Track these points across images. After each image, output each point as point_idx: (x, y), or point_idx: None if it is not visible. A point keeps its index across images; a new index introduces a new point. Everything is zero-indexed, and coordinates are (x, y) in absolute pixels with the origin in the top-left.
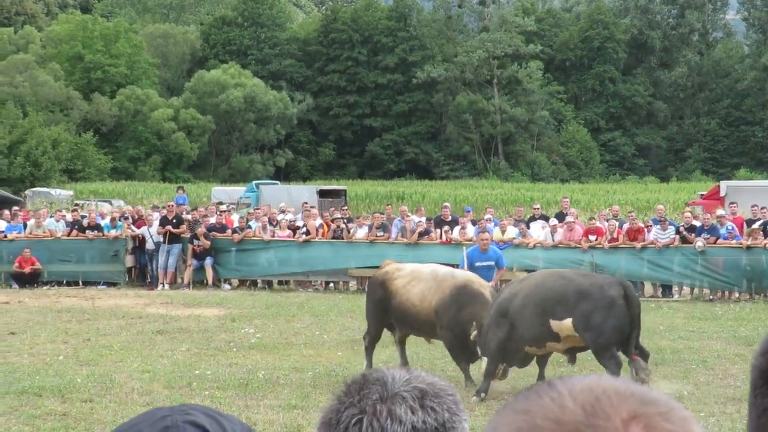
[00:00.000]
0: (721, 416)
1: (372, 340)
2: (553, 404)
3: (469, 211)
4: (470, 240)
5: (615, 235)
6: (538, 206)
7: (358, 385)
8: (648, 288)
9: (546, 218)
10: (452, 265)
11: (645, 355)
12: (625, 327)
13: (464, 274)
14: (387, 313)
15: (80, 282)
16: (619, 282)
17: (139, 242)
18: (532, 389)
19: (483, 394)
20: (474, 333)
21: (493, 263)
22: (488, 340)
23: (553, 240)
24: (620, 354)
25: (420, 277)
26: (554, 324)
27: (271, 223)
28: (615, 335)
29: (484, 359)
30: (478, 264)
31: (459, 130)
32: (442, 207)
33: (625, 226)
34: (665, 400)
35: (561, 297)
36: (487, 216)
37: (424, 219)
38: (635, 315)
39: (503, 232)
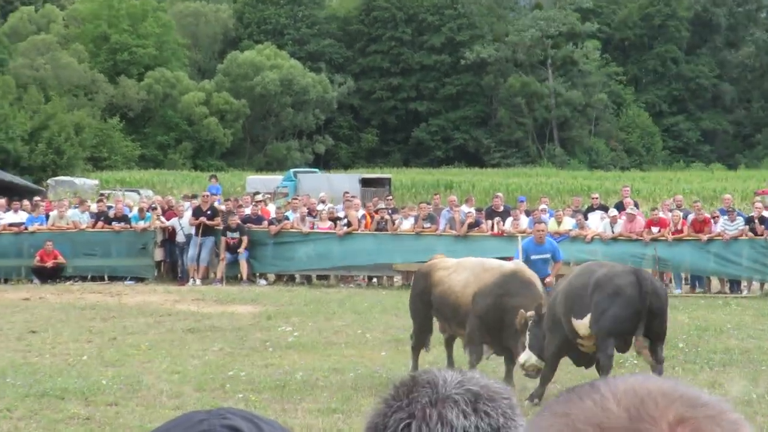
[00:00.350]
0: None
1: (418, 338)
2: (596, 407)
3: (522, 201)
4: (524, 232)
5: (679, 227)
6: (596, 196)
7: (406, 388)
8: (715, 283)
9: (605, 208)
10: (506, 259)
11: (659, 361)
12: (630, 319)
13: (515, 265)
14: (429, 306)
15: (106, 277)
16: (633, 271)
17: (169, 234)
18: (573, 391)
19: (537, 400)
20: (519, 320)
21: (548, 256)
22: (547, 345)
23: (613, 232)
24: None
25: (466, 266)
26: (575, 323)
27: (310, 214)
28: (613, 325)
29: (527, 353)
30: (533, 256)
31: (511, 115)
32: (493, 197)
33: (690, 216)
34: (715, 402)
35: (583, 292)
36: (542, 206)
37: (473, 210)
38: (648, 308)
39: (559, 223)
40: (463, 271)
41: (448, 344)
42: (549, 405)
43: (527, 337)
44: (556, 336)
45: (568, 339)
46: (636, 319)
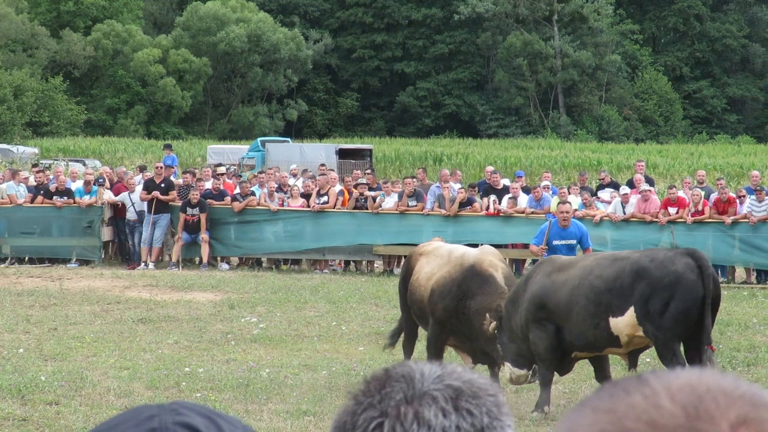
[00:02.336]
0: None
1: (408, 331)
2: (647, 403)
3: (520, 176)
4: (523, 212)
5: (700, 208)
6: (605, 173)
7: (379, 383)
8: (740, 273)
9: (616, 186)
10: (498, 246)
11: (710, 362)
12: (696, 310)
13: (474, 255)
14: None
15: (46, 259)
16: (686, 252)
17: (118, 211)
18: (619, 384)
19: (546, 408)
20: (487, 326)
21: (574, 242)
22: (533, 341)
23: (624, 213)
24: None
25: (438, 254)
26: (613, 323)
27: (280, 190)
28: (681, 324)
29: (506, 366)
30: (556, 242)
31: (510, 78)
32: (488, 172)
33: (713, 196)
34: None
35: (616, 285)
36: (545, 183)
37: (458, 186)
38: (711, 294)
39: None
40: (433, 260)
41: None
42: (588, 400)
43: (498, 348)
44: (543, 333)
45: (557, 337)
46: (703, 307)
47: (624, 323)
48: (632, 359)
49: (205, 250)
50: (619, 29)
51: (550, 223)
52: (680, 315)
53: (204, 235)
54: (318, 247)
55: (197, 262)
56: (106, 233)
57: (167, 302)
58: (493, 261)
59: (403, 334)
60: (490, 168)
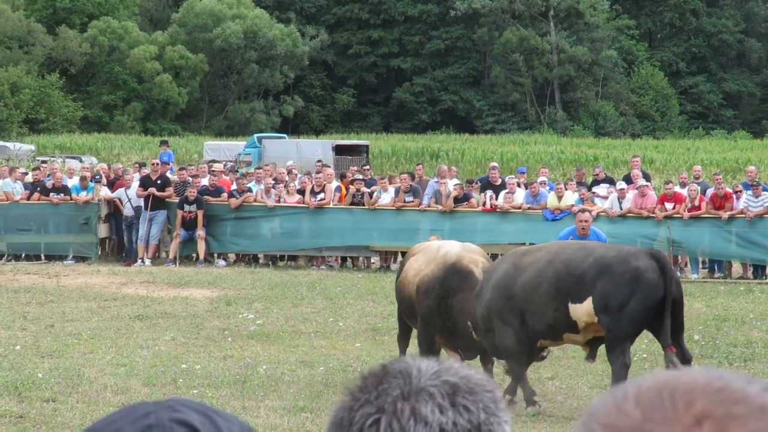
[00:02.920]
0: None
1: (402, 328)
2: (614, 406)
3: (522, 172)
4: (519, 207)
5: (696, 203)
6: (599, 168)
7: (376, 379)
8: (736, 267)
9: (611, 181)
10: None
11: (686, 359)
12: (654, 309)
13: (457, 250)
14: None
15: (42, 256)
16: (649, 252)
17: (115, 208)
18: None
19: (535, 398)
20: (471, 329)
21: None
22: (499, 336)
23: (621, 208)
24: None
25: (426, 252)
26: (572, 309)
27: (276, 186)
28: (637, 322)
29: (498, 362)
30: None
31: (506, 74)
32: (489, 168)
33: (710, 191)
34: (754, 394)
35: (578, 271)
36: (541, 178)
37: (453, 182)
38: (672, 295)
39: (560, 198)
40: (421, 257)
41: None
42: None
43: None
44: (510, 320)
45: (530, 330)
46: (663, 307)
47: (583, 310)
48: (592, 351)
49: (201, 247)
50: (615, 25)
51: (562, 232)
52: (637, 314)
53: (201, 232)
54: (315, 243)
55: (194, 259)
56: (103, 230)
57: (164, 299)
58: (473, 257)
59: (399, 331)
60: (493, 164)
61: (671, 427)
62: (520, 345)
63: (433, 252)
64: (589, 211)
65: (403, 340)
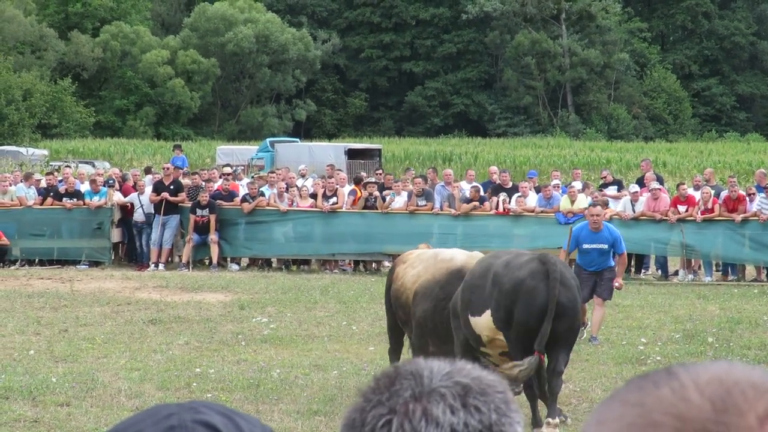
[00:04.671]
0: None
1: (394, 340)
2: (675, 397)
3: (533, 176)
4: (532, 211)
5: (710, 206)
6: (606, 171)
7: (388, 380)
8: (750, 270)
9: (620, 184)
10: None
11: (556, 371)
12: (538, 316)
13: (468, 256)
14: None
15: (56, 260)
16: (536, 257)
17: (128, 213)
18: (647, 377)
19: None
20: None
21: (606, 247)
22: (455, 347)
23: (634, 211)
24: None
25: (423, 258)
26: (473, 321)
27: (289, 190)
28: (524, 332)
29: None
30: (586, 245)
31: (519, 77)
32: (500, 172)
33: (723, 194)
34: None
35: (480, 282)
36: (554, 181)
37: (472, 186)
38: (557, 301)
39: (573, 201)
40: (418, 264)
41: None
42: (617, 393)
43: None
44: (459, 338)
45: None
46: (544, 313)
47: (482, 324)
48: (539, 379)
49: (214, 251)
50: (627, 27)
51: (572, 229)
52: (521, 322)
53: (213, 236)
54: (328, 247)
55: (207, 263)
56: (116, 234)
57: (177, 303)
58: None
59: (390, 343)
60: (494, 168)
61: (746, 419)
62: (466, 356)
63: (430, 258)
64: (601, 206)
65: (395, 354)
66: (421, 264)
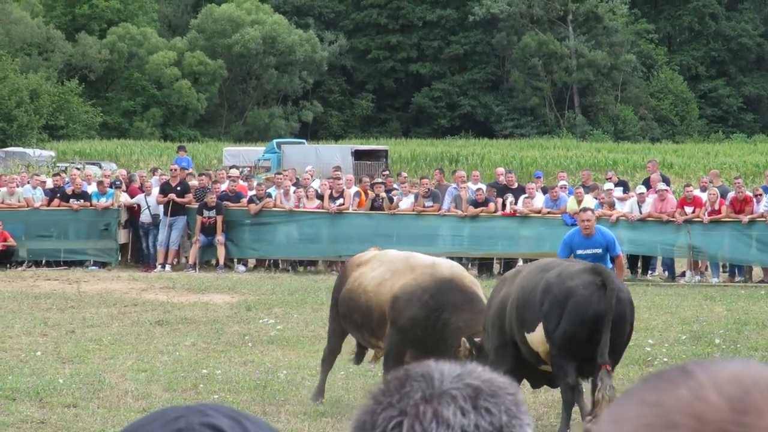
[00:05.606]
0: None
1: (330, 347)
2: (693, 397)
3: (539, 177)
4: (539, 212)
5: (716, 207)
6: (611, 173)
7: (398, 382)
8: (757, 271)
9: (625, 185)
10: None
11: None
12: (588, 328)
13: (451, 265)
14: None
15: (62, 262)
16: (588, 268)
17: (135, 214)
18: (663, 376)
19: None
20: (462, 350)
21: (601, 251)
22: (495, 365)
23: (641, 212)
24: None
25: (383, 260)
26: (529, 338)
27: (296, 190)
28: (571, 342)
29: None
30: (580, 251)
31: (525, 78)
32: (506, 173)
33: (730, 195)
34: None
35: (531, 297)
36: (561, 183)
37: (483, 186)
38: (614, 312)
39: (579, 202)
40: (379, 266)
41: (359, 358)
42: (633, 392)
43: None
44: (505, 356)
45: (520, 359)
46: (601, 324)
47: (537, 339)
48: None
49: (221, 252)
50: (634, 29)
51: (566, 235)
52: (569, 333)
53: (220, 237)
54: (334, 248)
55: (214, 264)
56: (123, 236)
57: (184, 304)
58: (472, 278)
59: (327, 346)
60: (500, 169)
61: (765, 419)
62: (512, 376)
63: (397, 260)
64: (592, 210)
65: (330, 360)
66: (384, 266)
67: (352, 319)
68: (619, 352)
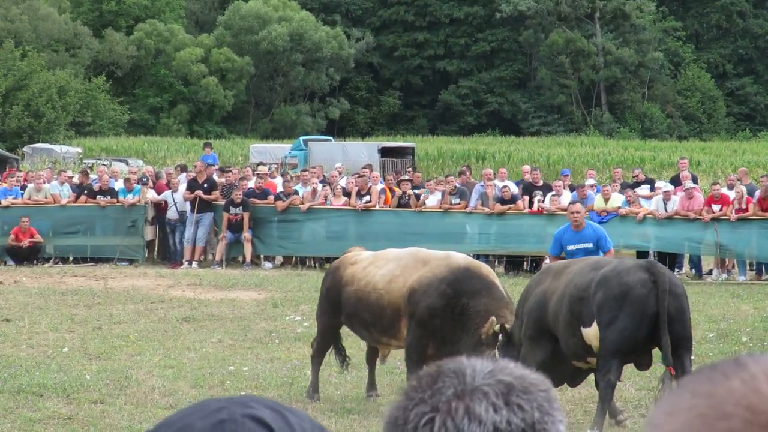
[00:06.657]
0: None
1: (319, 345)
2: (746, 388)
3: (566, 175)
4: (565, 210)
5: (744, 205)
6: (638, 170)
7: (430, 378)
8: None
9: (651, 182)
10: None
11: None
12: (645, 327)
13: (466, 256)
14: (337, 309)
15: (89, 258)
16: (646, 266)
17: (162, 210)
18: (716, 368)
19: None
20: (488, 328)
21: (592, 246)
22: (522, 359)
23: (667, 210)
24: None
25: (388, 257)
26: (584, 332)
27: (324, 187)
28: (626, 340)
29: None
30: (570, 247)
31: (552, 76)
32: (531, 170)
33: (757, 193)
34: None
35: (586, 294)
36: (590, 181)
37: (510, 184)
38: (668, 310)
39: (606, 200)
40: (386, 264)
41: (370, 359)
42: (686, 383)
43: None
44: (538, 351)
45: (558, 354)
46: (657, 323)
47: (593, 334)
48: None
49: (248, 249)
50: (661, 26)
51: (556, 231)
52: (623, 330)
53: (247, 234)
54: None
55: (240, 261)
56: (150, 232)
57: (211, 301)
58: (489, 268)
59: (317, 344)
60: (526, 167)
61: None
62: (545, 368)
63: (410, 257)
64: (579, 203)
65: (319, 358)
66: (392, 263)
67: (361, 317)
68: (688, 339)
